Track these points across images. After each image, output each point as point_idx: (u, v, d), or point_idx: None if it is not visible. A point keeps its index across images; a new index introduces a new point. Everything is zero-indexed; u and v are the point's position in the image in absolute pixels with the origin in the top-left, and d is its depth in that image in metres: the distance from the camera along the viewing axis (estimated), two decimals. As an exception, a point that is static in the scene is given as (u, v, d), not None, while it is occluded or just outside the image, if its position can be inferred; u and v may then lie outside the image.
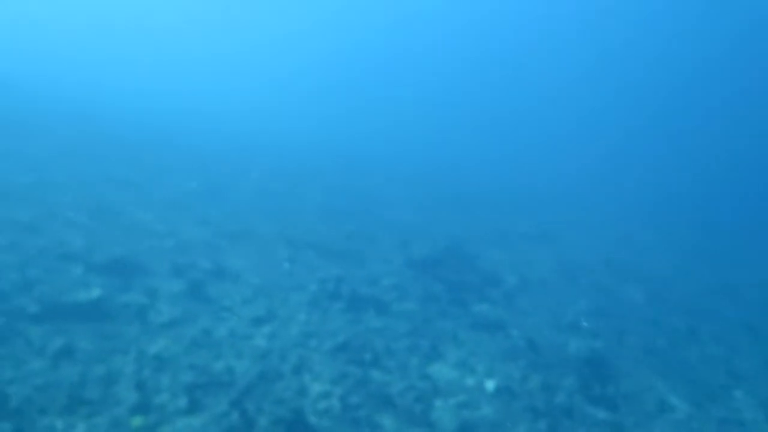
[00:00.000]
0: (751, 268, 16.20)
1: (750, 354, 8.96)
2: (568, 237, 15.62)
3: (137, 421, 4.44)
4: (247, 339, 6.23)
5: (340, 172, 19.21)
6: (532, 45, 59.66)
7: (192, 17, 67.54)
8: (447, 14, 59.64)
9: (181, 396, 4.88)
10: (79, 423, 4.29)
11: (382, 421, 5.20)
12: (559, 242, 14.75)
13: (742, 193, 39.07)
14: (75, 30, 56.34)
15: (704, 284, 13.07)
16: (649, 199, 28.74)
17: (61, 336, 5.38)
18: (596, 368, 7.20)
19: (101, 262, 7.19)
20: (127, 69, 46.99)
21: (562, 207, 21.12)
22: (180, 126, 23.29)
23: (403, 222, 13.70)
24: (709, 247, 18.41)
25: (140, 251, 8.13)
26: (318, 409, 5.16)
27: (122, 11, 66.54)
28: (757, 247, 20.24)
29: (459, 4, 55.86)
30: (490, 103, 64.30)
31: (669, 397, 6.86)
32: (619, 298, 10.71)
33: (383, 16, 62.12)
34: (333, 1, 59.46)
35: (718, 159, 49.16)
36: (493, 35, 61.16)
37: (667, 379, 7.34)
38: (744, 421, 6.68)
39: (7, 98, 18.34)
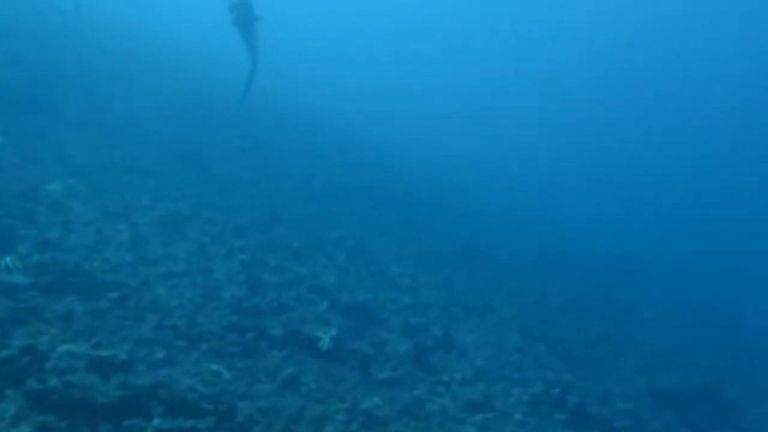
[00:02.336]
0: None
1: None
2: None
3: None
4: (458, 423, 5.92)
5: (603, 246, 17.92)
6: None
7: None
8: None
9: (379, 463, 4.77)
10: (284, 457, 4.44)
11: None
12: None
13: None
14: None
15: None
16: None
17: (292, 365, 5.74)
18: None
19: (344, 303, 7.62)
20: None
21: None
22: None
23: (652, 337, 12.06)
24: None
25: (380, 301, 8.46)
26: None
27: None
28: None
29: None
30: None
31: None
32: None
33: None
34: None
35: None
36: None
37: None
38: None
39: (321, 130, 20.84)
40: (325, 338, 6.25)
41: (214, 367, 5.13)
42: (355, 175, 16.48)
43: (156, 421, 4.10)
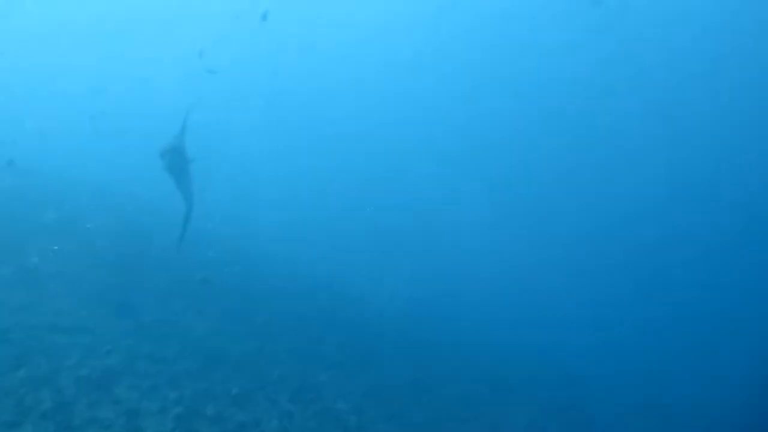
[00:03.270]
0: None
1: None
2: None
3: None
4: None
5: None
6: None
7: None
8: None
9: None
10: None
11: None
12: None
13: None
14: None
15: None
16: None
17: None
18: None
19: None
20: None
21: None
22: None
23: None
24: None
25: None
26: None
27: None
28: None
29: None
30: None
31: None
32: None
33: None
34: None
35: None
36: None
37: None
38: None
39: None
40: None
41: None
42: (298, 305, 16.32)
43: None
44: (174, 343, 10.38)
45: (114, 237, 15.35)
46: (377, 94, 51.46)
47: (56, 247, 12.78)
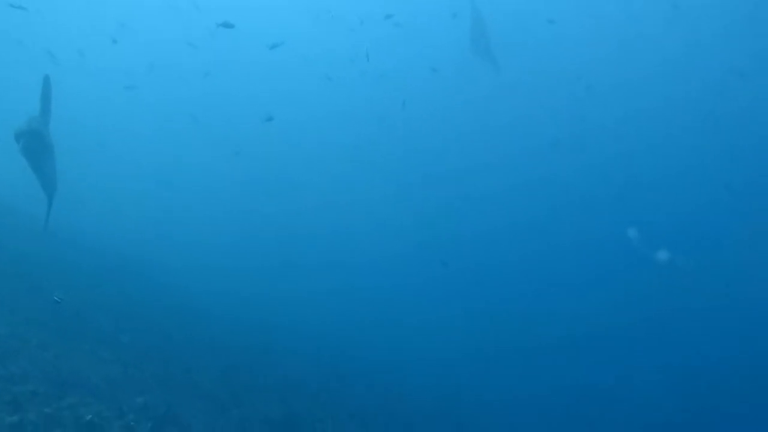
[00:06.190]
0: None
1: None
2: None
3: None
4: None
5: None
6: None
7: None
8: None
9: None
10: None
11: None
12: None
13: None
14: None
15: None
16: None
17: None
18: None
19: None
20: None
21: None
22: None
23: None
24: None
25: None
26: None
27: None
28: None
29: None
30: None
31: None
32: None
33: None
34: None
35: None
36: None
37: None
38: None
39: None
40: None
41: None
42: (173, 326, 15.15)
43: None
44: (23, 361, 9.06)
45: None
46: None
47: None
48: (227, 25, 16.61)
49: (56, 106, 9.52)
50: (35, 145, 8.80)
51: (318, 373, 18.17)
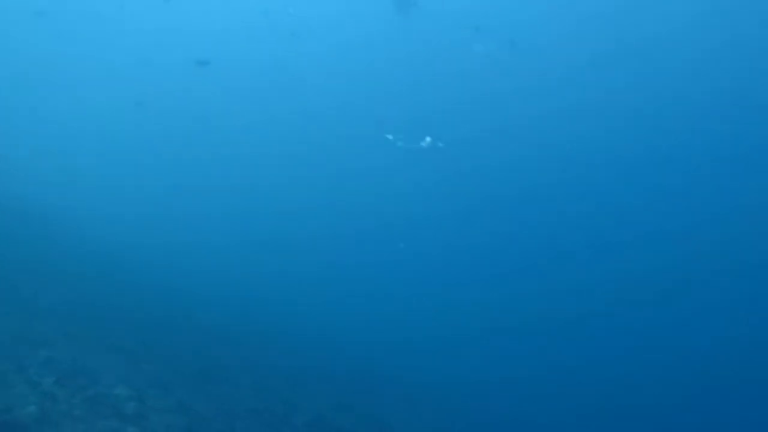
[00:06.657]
0: None
1: None
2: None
3: None
4: None
5: None
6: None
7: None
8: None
9: None
10: None
11: None
12: None
13: None
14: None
15: None
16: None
17: None
18: None
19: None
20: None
21: None
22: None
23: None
24: None
25: None
26: None
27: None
28: None
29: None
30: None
31: None
32: None
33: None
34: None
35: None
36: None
37: None
38: None
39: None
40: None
41: None
42: (88, 282, 14.68)
43: None
44: None
45: None
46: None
47: None
48: (203, 63, 17.19)
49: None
50: None
51: (238, 327, 18.19)
